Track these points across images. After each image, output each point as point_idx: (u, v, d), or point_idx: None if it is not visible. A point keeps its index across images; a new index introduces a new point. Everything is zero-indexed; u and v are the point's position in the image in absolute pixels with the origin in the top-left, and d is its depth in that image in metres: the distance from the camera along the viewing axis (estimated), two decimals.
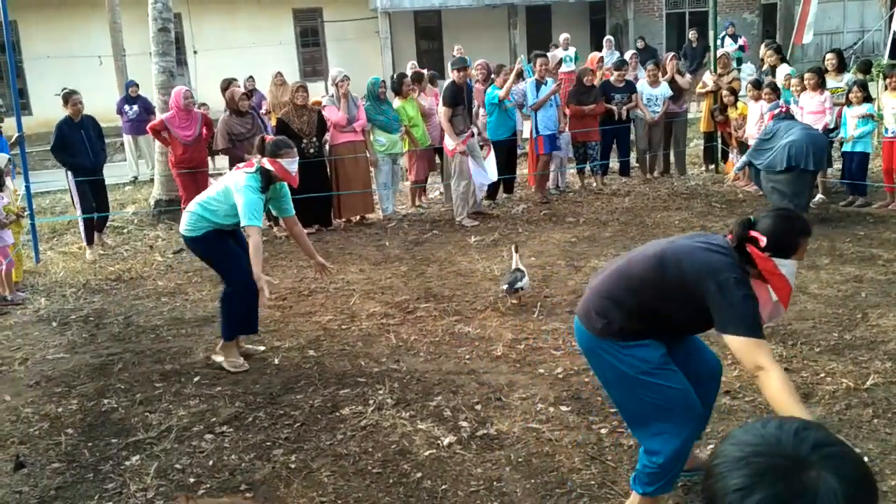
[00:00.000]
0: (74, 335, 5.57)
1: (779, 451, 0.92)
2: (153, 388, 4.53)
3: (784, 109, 7.49)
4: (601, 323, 2.75)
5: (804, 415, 2.22)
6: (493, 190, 9.17)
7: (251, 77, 11.66)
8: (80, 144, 7.72)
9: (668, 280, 2.63)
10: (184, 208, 7.50)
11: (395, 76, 9.62)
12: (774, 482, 0.89)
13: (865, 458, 3.28)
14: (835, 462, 0.90)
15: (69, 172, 7.88)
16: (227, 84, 8.78)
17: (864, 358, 4.30)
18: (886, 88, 7.88)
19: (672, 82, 9.77)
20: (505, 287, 5.52)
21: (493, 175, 8.49)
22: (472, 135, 8.33)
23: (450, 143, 8.23)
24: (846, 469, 0.90)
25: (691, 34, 16.24)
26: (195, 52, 18.55)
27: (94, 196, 7.97)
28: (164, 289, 6.61)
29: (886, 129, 7.77)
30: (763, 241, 2.55)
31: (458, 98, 8.13)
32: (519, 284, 5.49)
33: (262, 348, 5.08)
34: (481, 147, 8.48)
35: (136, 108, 12.16)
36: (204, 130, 8.17)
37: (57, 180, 11.79)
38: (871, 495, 0.92)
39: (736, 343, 2.46)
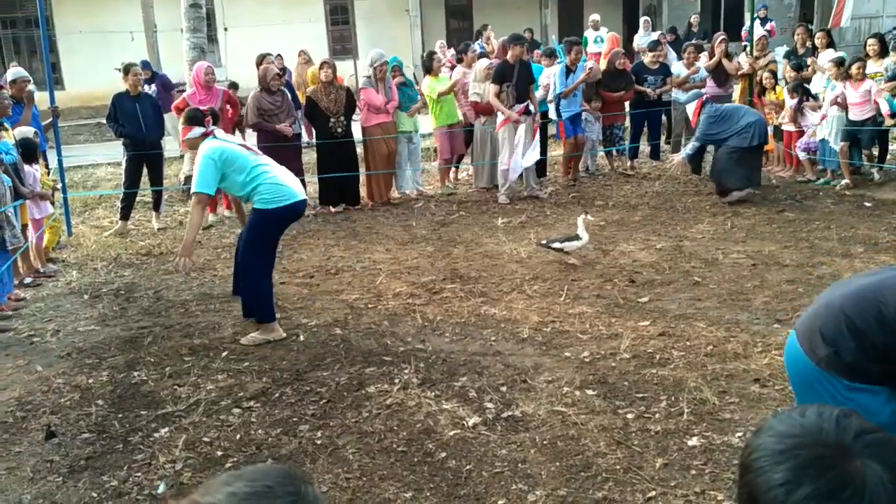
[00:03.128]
0: (105, 308, 5.65)
1: (822, 440, 0.89)
2: (182, 362, 4.58)
3: (708, 97, 8.06)
4: (826, 351, 2.19)
5: None
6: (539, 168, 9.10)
7: (279, 55, 11.65)
8: (132, 117, 7.71)
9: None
10: None
11: (424, 55, 9.59)
12: (820, 474, 0.86)
13: None
14: (879, 449, 0.87)
15: (123, 147, 7.94)
16: (261, 59, 8.80)
17: None
18: None
19: (719, 65, 9.54)
20: (543, 242, 6.12)
21: (532, 157, 8.42)
22: (526, 111, 8.20)
23: (500, 117, 8.19)
24: (890, 456, 0.87)
25: (692, 18, 15.90)
26: (226, 29, 18.58)
27: (149, 171, 8.02)
28: (194, 264, 6.65)
29: None
30: None
31: (506, 75, 8.07)
32: (555, 242, 6.05)
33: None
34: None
35: (153, 87, 12.12)
36: (229, 108, 8.17)
37: (88, 154, 11.94)
38: None
39: None
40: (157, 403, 4.05)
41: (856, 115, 7.82)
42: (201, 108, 5.08)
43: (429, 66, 8.97)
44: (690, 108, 8.00)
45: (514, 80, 8.12)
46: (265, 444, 3.60)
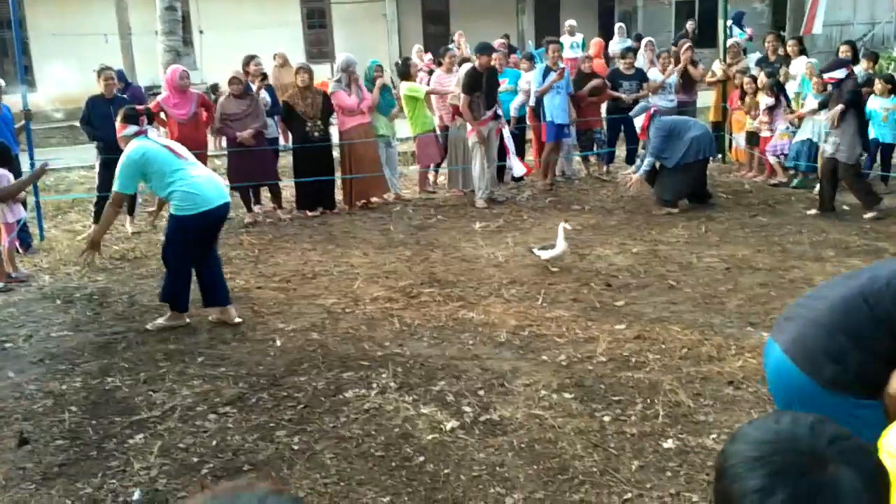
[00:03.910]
0: (78, 313, 5.58)
1: (796, 447, 0.90)
2: (157, 368, 4.54)
3: (655, 110, 7.98)
4: (833, 370, 2.13)
5: None
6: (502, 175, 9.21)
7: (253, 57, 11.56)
8: (106, 121, 7.58)
9: None
10: None
11: (399, 61, 9.61)
12: (795, 480, 0.87)
13: None
14: (852, 455, 0.89)
15: (97, 150, 7.85)
16: (247, 61, 8.75)
17: None
18: None
19: (684, 72, 9.66)
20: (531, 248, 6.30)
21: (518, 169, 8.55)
22: (495, 116, 8.33)
23: (468, 126, 8.27)
24: (863, 462, 0.89)
25: (688, 24, 16.09)
26: (201, 32, 18.45)
27: None
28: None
29: None
30: None
31: (478, 84, 8.12)
32: (535, 249, 6.15)
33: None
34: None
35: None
36: (205, 112, 8.11)
37: (60, 158, 11.78)
38: (887, 486, 0.91)
39: None
40: (131, 409, 4.01)
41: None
42: (137, 107, 5.16)
43: (404, 71, 8.98)
44: (638, 122, 7.91)
45: (484, 88, 8.16)
46: (242, 450, 3.58)
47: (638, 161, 8.29)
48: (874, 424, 1.89)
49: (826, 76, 7.33)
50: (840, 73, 7.14)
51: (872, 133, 7.92)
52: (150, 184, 4.94)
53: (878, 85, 7.93)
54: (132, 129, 4.94)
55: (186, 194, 4.83)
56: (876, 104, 7.89)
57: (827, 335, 2.16)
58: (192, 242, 5.01)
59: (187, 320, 5.22)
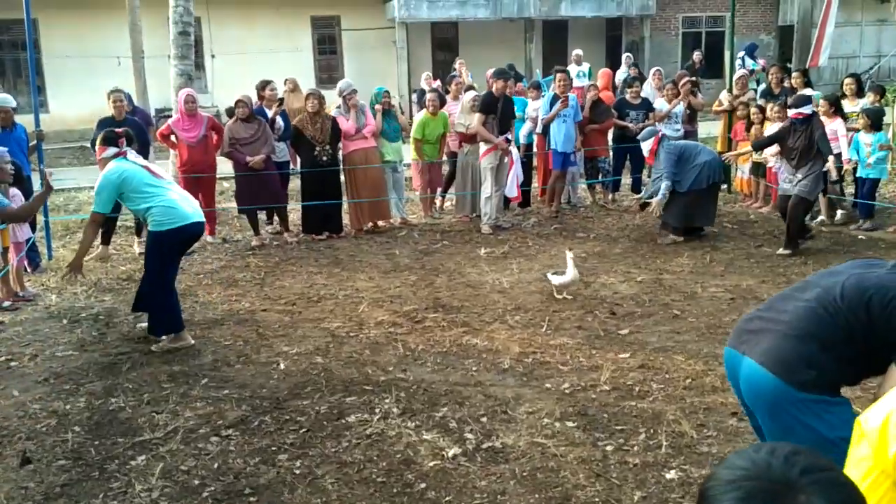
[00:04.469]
0: (84, 333, 5.60)
1: (768, 475, 0.93)
2: (161, 389, 4.55)
3: (662, 134, 8.12)
4: (808, 374, 2.29)
5: None
6: (509, 202, 9.26)
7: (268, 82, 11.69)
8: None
9: (871, 322, 2.26)
10: None
11: (417, 91, 9.78)
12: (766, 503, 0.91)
13: None
14: (824, 486, 0.92)
15: None
16: (263, 86, 8.85)
17: (871, 384, 4.27)
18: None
19: (687, 104, 9.73)
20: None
21: (512, 189, 8.60)
22: (507, 142, 8.45)
23: (483, 146, 8.35)
24: (835, 494, 0.92)
25: (696, 55, 16.22)
26: (213, 56, 18.70)
27: None
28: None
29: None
30: None
31: (492, 107, 8.23)
32: (548, 274, 6.21)
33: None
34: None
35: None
36: (215, 135, 8.20)
37: (72, 178, 11.90)
38: None
39: None
40: (134, 431, 4.02)
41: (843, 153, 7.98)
42: (116, 130, 5.33)
43: (423, 102, 9.19)
44: (647, 146, 7.90)
45: (499, 112, 8.26)
46: (243, 473, 3.57)
47: (646, 188, 8.31)
48: (844, 421, 2.13)
49: (793, 112, 7.11)
50: (807, 110, 7.04)
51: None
52: (129, 203, 5.13)
53: (861, 120, 7.86)
54: (111, 150, 5.14)
55: (164, 209, 5.00)
56: (862, 140, 7.84)
57: (799, 343, 2.34)
58: (168, 257, 5.15)
59: (191, 341, 5.25)
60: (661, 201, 7.72)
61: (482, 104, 8.32)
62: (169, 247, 5.10)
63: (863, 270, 2.41)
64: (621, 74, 13.71)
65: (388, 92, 8.97)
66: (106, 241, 7.95)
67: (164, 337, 5.23)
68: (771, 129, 8.59)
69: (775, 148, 8.52)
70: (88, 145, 8.47)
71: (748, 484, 0.93)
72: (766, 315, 2.53)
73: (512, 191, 8.67)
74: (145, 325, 5.36)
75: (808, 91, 9.00)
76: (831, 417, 2.29)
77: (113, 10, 16.41)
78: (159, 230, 5.01)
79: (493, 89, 8.35)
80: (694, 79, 10.04)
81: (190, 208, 5.14)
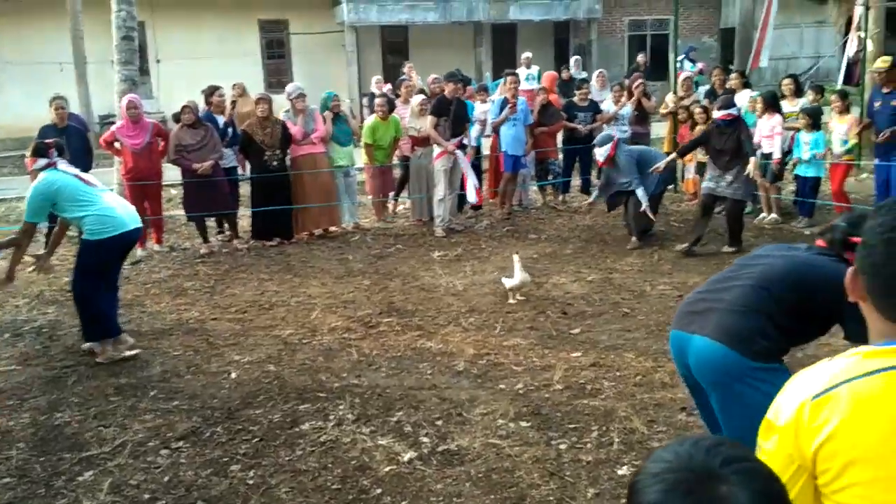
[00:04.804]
0: (27, 347, 5.45)
1: (690, 466, 0.96)
2: (108, 402, 4.45)
3: (617, 139, 7.95)
4: (760, 343, 2.55)
5: None
6: (463, 205, 9.28)
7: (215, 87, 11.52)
8: None
9: (799, 296, 2.57)
10: None
11: (368, 96, 9.76)
12: (684, 496, 0.93)
13: None
14: (745, 476, 0.94)
15: None
16: (211, 91, 8.72)
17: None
18: (832, 113, 8.11)
19: (638, 104, 9.89)
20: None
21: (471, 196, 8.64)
22: (460, 145, 8.48)
23: (437, 149, 8.37)
24: (757, 484, 0.94)
25: (640, 57, 16.52)
26: (158, 61, 18.37)
27: None
28: (121, 300, 6.45)
29: (832, 153, 7.96)
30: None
31: (444, 110, 8.27)
32: (503, 278, 6.17)
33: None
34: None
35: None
36: (161, 142, 8.05)
37: (13, 188, 11.56)
38: None
39: None
40: (81, 445, 3.92)
41: (766, 147, 8.17)
42: (46, 141, 5.27)
43: (373, 106, 9.16)
44: (603, 152, 7.66)
45: (451, 115, 8.30)
46: (195, 486, 3.52)
47: (596, 191, 8.38)
48: (784, 381, 2.20)
49: (720, 114, 7.16)
50: (735, 111, 7.16)
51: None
52: (63, 213, 5.04)
53: (801, 120, 8.07)
54: (42, 161, 5.05)
55: (99, 217, 4.94)
56: (801, 139, 8.04)
57: (747, 317, 2.59)
58: (104, 264, 5.08)
59: (131, 340, 5.19)
60: (647, 207, 7.54)
61: (434, 107, 8.36)
62: (107, 254, 5.02)
63: (786, 252, 2.74)
64: (576, 75, 13.88)
65: (337, 96, 8.93)
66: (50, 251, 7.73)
67: (97, 343, 5.12)
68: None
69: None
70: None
71: (671, 476, 0.95)
72: (709, 297, 2.76)
73: (472, 196, 8.69)
74: (109, 353, 5.15)
75: (746, 92, 9.24)
76: (780, 383, 2.34)
77: (55, 16, 16.02)
78: (95, 238, 4.95)
79: (447, 92, 8.39)
80: (643, 81, 10.18)
81: (127, 215, 5.10)
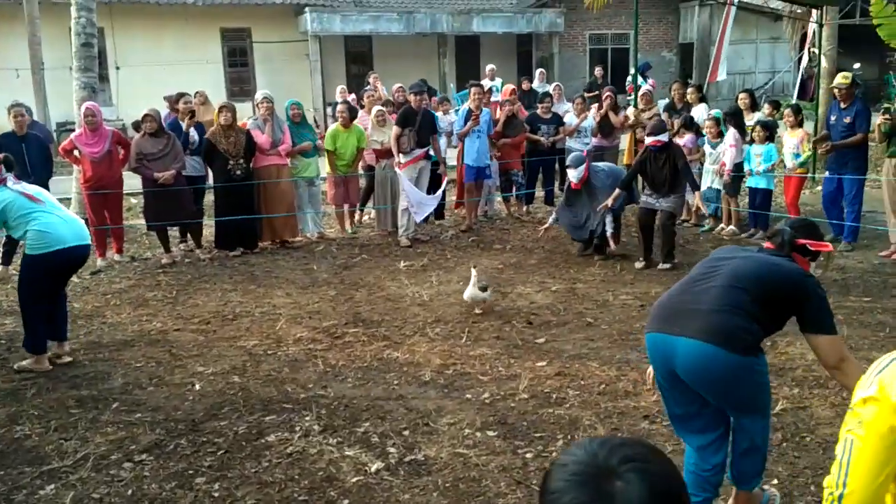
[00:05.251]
0: None
1: (594, 461, 1.06)
2: (69, 415, 4.37)
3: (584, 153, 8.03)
4: (747, 340, 2.76)
5: None
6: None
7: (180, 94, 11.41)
8: (17, 159, 7.32)
9: (767, 292, 2.79)
10: (93, 230, 7.41)
11: (332, 106, 9.76)
12: (580, 487, 1.04)
13: (775, 481, 3.46)
14: (640, 475, 1.04)
15: None
16: (177, 98, 8.63)
17: (773, 384, 4.51)
18: (785, 126, 8.34)
19: (605, 117, 10.03)
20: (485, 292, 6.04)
21: (436, 197, 8.67)
22: (425, 156, 8.52)
23: (403, 157, 8.41)
24: (650, 482, 1.04)
25: (597, 71, 16.78)
26: (118, 68, 18.11)
27: None
28: (81, 311, 6.39)
29: (785, 166, 8.16)
30: (810, 247, 2.91)
31: (409, 120, 8.32)
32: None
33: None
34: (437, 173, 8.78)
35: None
36: (121, 150, 7.93)
37: None
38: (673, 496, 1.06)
39: (825, 341, 2.75)
40: (41, 459, 3.85)
41: (728, 162, 8.37)
42: None
43: (354, 115, 9.18)
44: (577, 174, 7.47)
45: (417, 126, 8.34)
46: (159, 499, 3.48)
47: (553, 215, 7.98)
48: (766, 365, 2.86)
49: (649, 140, 7.20)
50: (664, 137, 7.20)
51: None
52: (11, 231, 5.07)
53: (756, 133, 8.22)
54: None
55: (38, 233, 4.92)
56: (753, 151, 8.24)
57: (730, 316, 2.75)
58: (44, 281, 5.06)
59: (48, 367, 5.10)
60: (613, 234, 7.57)
61: (399, 117, 8.41)
62: (44, 271, 5.01)
63: (747, 254, 2.96)
64: (539, 88, 14.01)
65: (296, 104, 8.89)
66: (6, 261, 7.58)
67: (24, 361, 5.14)
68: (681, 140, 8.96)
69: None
70: None
71: (576, 468, 1.06)
72: (686, 299, 2.90)
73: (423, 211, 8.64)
74: (24, 363, 5.15)
75: (702, 106, 9.44)
76: (763, 368, 2.83)
77: (11, 21, 15.71)
78: (32, 254, 4.96)
79: (413, 102, 8.44)
80: (612, 94, 10.30)
81: (70, 231, 5.03)
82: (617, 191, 7.35)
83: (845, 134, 7.59)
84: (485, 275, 6.50)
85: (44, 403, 4.54)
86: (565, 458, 1.09)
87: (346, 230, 9.30)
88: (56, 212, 5.12)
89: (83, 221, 5.45)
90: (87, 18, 8.94)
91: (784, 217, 8.34)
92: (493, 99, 12.38)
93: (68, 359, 5.25)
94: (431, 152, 8.70)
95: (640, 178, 7.66)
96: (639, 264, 7.36)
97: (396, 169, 8.45)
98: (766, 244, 2.99)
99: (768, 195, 8.37)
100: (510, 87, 11.44)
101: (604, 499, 1.02)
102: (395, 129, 8.37)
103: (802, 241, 2.92)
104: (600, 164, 8.22)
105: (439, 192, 8.81)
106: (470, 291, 5.97)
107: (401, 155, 8.37)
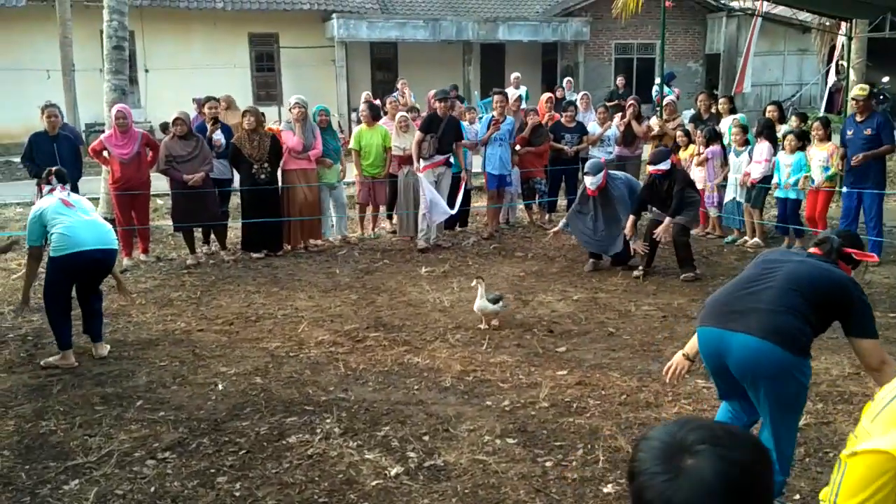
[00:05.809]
0: (12, 354, 5.42)
1: (671, 439, 1.16)
2: (93, 412, 4.43)
3: (602, 160, 7.89)
4: (801, 342, 2.91)
5: None
6: (451, 222, 9.32)
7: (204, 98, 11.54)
8: (48, 158, 7.43)
9: (819, 296, 2.95)
10: (119, 230, 7.55)
11: (362, 104, 9.84)
12: (658, 460, 1.14)
13: (797, 496, 3.43)
14: (714, 456, 1.11)
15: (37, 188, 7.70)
16: (205, 101, 8.75)
17: None
18: (813, 140, 8.24)
19: (628, 126, 10.01)
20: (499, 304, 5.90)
21: (451, 208, 8.65)
22: (445, 163, 8.52)
23: (423, 162, 8.44)
24: (723, 465, 1.11)
25: (619, 80, 16.73)
26: (147, 71, 18.36)
27: None
28: (107, 310, 6.43)
29: (812, 180, 8.06)
30: (854, 256, 3.12)
31: (432, 127, 8.36)
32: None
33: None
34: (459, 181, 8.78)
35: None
36: (149, 152, 8.05)
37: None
38: (752, 475, 1.13)
39: (869, 344, 2.91)
40: (66, 454, 3.91)
41: (755, 173, 8.30)
42: (51, 169, 5.61)
43: (377, 114, 9.25)
44: (596, 181, 7.38)
45: (440, 132, 8.36)
46: (181, 497, 3.51)
47: (563, 220, 7.95)
48: (808, 372, 3.00)
49: (651, 168, 7.15)
50: (665, 165, 7.11)
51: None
52: (48, 234, 5.20)
53: (789, 143, 8.14)
54: (46, 188, 5.43)
55: (60, 236, 5.06)
56: (782, 161, 8.16)
57: (788, 317, 2.90)
58: (64, 282, 5.19)
59: (74, 363, 5.18)
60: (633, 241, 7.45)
61: (424, 123, 8.46)
62: (62, 273, 5.13)
63: (798, 258, 3.13)
64: (568, 96, 14.01)
65: (324, 110, 8.97)
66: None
67: (50, 358, 5.28)
68: (707, 151, 8.91)
69: (699, 168, 8.84)
70: (14, 160, 8.21)
71: (658, 444, 1.16)
72: (744, 298, 3.04)
73: (448, 210, 8.67)
74: (51, 359, 5.26)
75: (732, 116, 9.36)
76: (808, 371, 2.99)
77: (43, 22, 15.99)
78: (53, 255, 5.11)
79: (438, 109, 8.47)
80: (636, 103, 10.27)
81: (91, 235, 5.13)
82: (631, 217, 7.30)
83: (865, 147, 7.48)
84: (493, 287, 6.41)
85: (69, 400, 4.61)
86: (653, 433, 1.19)
87: (368, 234, 9.35)
88: (84, 216, 5.24)
89: (111, 227, 5.53)
90: (119, 22, 9.09)
91: (810, 231, 8.31)
92: (521, 107, 12.39)
93: (104, 353, 5.35)
94: (451, 160, 8.68)
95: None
96: (637, 272, 7.33)
97: (416, 172, 8.48)
98: (814, 250, 3.15)
99: (797, 206, 8.26)
100: (547, 94, 11.46)
101: (678, 472, 1.10)
102: (417, 135, 8.42)
103: (849, 249, 3.11)
104: (619, 172, 8.15)
105: (458, 200, 8.78)
106: (479, 303, 5.82)
107: (421, 160, 8.40)
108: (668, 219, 7.11)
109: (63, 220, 5.11)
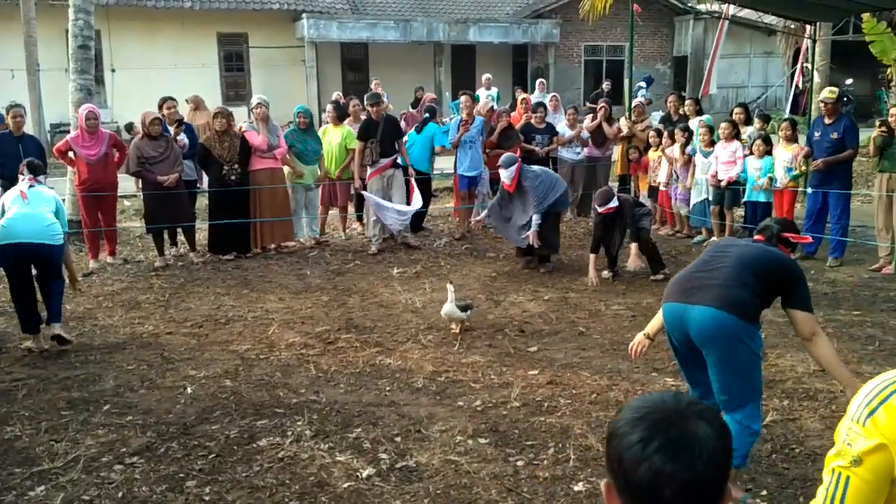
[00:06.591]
0: None
1: (665, 407, 1.17)
2: (59, 416, 4.36)
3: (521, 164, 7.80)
4: (750, 311, 3.27)
5: (846, 372, 3.34)
6: (418, 220, 9.32)
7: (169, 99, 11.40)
8: (14, 158, 7.31)
9: (767, 273, 3.34)
10: (86, 232, 7.50)
11: (331, 103, 9.77)
12: (667, 429, 1.14)
13: (763, 492, 3.49)
14: (705, 414, 1.17)
15: (1, 189, 7.53)
16: (163, 102, 8.65)
17: (763, 397, 4.54)
18: (780, 140, 8.37)
19: (599, 127, 10.08)
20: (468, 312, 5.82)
21: (414, 205, 8.62)
22: (393, 164, 8.50)
23: (369, 170, 8.44)
24: (713, 419, 1.17)
25: (605, 85, 16.89)
26: (113, 71, 18.10)
27: None
28: (73, 313, 6.37)
29: (775, 180, 8.17)
30: (791, 239, 3.62)
31: (370, 132, 8.36)
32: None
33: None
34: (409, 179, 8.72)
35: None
36: (116, 153, 7.94)
37: None
38: (731, 439, 1.20)
39: (804, 316, 3.29)
40: (32, 460, 3.84)
41: (722, 174, 8.41)
42: (28, 161, 5.80)
43: (343, 113, 9.23)
44: (509, 174, 7.39)
45: (379, 136, 8.36)
46: (149, 502, 3.47)
47: (486, 211, 8.07)
48: (762, 338, 3.45)
49: (601, 209, 7.09)
50: (614, 203, 7.09)
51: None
52: None
53: (756, 147, 8.23)
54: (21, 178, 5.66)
55: (1, 227, 5.31)
56: (751, 165, 8.26)
57: (739, 290, 3.28)
58: (9, 270, 5.49)
59: (45, 346, 5.43)
60: (536, 232, 7.43)
61: (360, 131, 8.48)
62: (2, 260, 5.42)
63: (745, 243, 3.59)
64: (539, 97, 14.06)
65: (304, 111, 8.90)
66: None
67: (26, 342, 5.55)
68: (671, 150, 9.01)
69: (666, 167, 8.96)
70: None
71: (651, 416, 1.16)
72: (701, 276, 3.42)
73: (408, 210, 8.60)
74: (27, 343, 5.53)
75: (698, 118, 9.45)
76: (757, 337, 3.36)
77: (7, 21, 15.68)
78: None
79: (373, 114, 8.44)
80: (607, 105, 10.34)
81: (25, 229, 5.30)
82: (592, 256, 7.27)
83: (831, 149, 7.60)
84: (465, 287, 6.43)
85: (35, 405, 4.53)
86: (633, 412, 1.18)
87: (342, 235, 9.34)
88: (28, 209, 5.38)
89: (54, 221, 5.49)
90: (85, 21, 8.94)
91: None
92: (493, 107, 12.43)
93: (55, 332, 5.44)
94: (399, 160, 8.63)
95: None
96: (606, 273, 7.39)
97: (361, 188, 8.45)
98: (758, 237, 3.60)
99: (768, 208, 8.35)
100: (523, 96, 11.52)
101: (688, 437, 1.12)
102: (357, 145, 8.40)
103: (786, 234, 3.58)
104: (534, 166, 8.00)
105: (415, 194, 8.73)
106: (447, 308, 5.74)
107: (367, 168, 8.38)
108: (633, 246, 7.13)
109: (11, 211, 5.35)
